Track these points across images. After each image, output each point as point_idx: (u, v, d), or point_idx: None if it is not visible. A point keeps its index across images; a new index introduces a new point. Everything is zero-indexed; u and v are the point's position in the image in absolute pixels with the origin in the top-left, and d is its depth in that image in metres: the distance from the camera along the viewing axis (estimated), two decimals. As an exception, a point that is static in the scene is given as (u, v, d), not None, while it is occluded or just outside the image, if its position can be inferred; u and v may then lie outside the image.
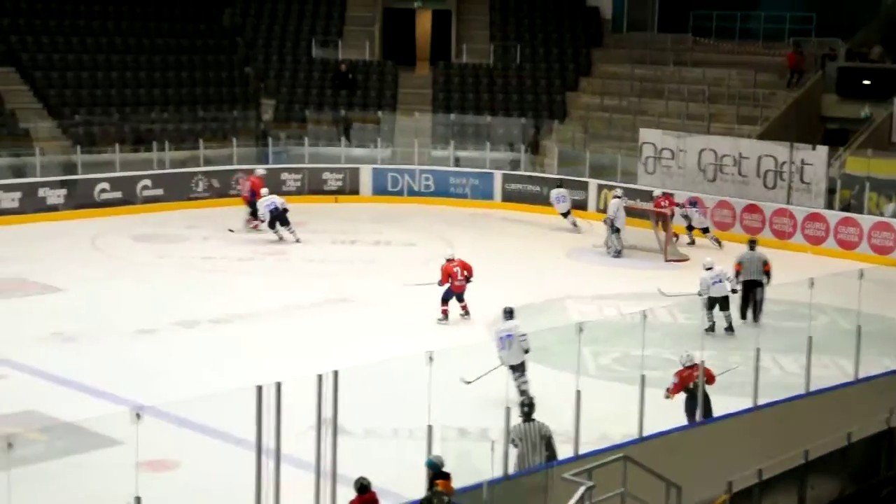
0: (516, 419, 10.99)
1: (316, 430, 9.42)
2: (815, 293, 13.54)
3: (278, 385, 9.01)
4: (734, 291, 17.65)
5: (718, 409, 12.57)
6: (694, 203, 24.72)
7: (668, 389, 12.84)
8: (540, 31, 34.90)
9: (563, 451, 11.08)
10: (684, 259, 22.79)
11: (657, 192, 25.20)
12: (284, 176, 29.56)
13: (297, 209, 27.36)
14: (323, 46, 34.71)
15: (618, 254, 23.10)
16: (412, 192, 29.64)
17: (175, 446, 11.59)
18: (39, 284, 19.42)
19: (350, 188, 29.70)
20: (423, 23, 37.29)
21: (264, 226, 23.84)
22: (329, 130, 31.65)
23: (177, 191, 27.78)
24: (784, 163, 25.12)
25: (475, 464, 10.49)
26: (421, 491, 9.64)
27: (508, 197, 29.05)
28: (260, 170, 26.44)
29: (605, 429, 12.13)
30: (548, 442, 11.10)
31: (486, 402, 12.51)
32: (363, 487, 9.63)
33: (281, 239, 23.71)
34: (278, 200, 24.06)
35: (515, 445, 10.97)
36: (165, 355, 15.70)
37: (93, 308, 18.13)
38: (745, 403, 12.59)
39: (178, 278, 20.36)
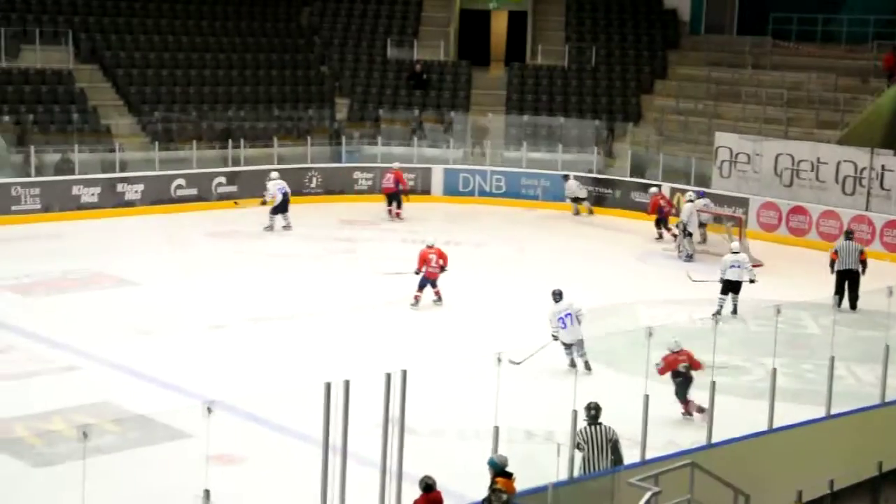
0: (582, 422, 10.93)
1: (383, 428, 9.45)
2: (893, 302, 13.25)
3: (346, 383, 9.06)
4: (752, 282, 18.38)
5: (790, 418, 12.32)
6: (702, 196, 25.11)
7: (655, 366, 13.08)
8: (616, 32, 34.66)
9: (630, 455, 10.99)
10: (759, 264, 22.46)
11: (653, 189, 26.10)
12: (356, 175, 29.76)
13: (368, 208, 27.58)
14: (398, 46, 34.85)
15: (689, 258, 22.87)
16: (483, 193, 29.63)
17: (243, 441, 11.71)
18: (116, 278, 19.78)
19: (421, 188, 29.77)
20: (499, 24, 37.24)
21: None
22: (402, 130, 31.78)
23: (250, 188, 28.09)
24: (864, 168, 24.64)
25: (540, 466, 10.44)
26: (485, 492, 9.63)
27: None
28: (397, 163, 27.62)
29: (672, 434, 12.00)
30: (614, 446, 11.02)
31: (553, 405, 12.44)
32: (428, 486, 9.66)
33: (270, 227, 24.50)
34: (287, 187, 24.86)
35: (581, 449, 10.90)
36: (236, 351, 15.87)
37: (167, 302, 18.41)
38: (818, 412, 12.36)
39: (249, 275, 20.57)
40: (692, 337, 13.87)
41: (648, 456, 10.83)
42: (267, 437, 12.19)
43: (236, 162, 28.81)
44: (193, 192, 27.53)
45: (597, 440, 10.94)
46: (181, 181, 27.47)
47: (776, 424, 11.92)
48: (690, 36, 34.50)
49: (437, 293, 18.78)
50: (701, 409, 12.66)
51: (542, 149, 30.57)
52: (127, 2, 33.39)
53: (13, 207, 24.76)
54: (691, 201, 23.57)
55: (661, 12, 35.04)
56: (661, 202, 25.23)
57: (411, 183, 29.75)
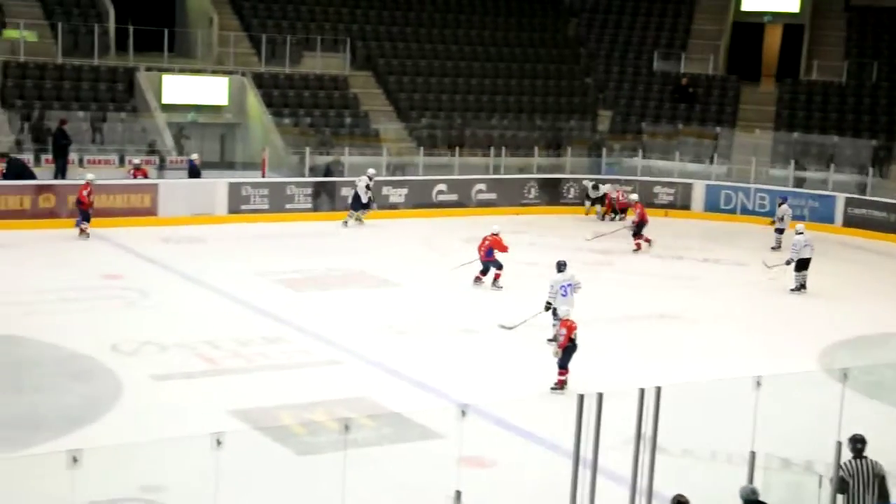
0: (846, 454, 10.37)
1: (634, 444, 9.31)
2: None
3: (599, 395, 8.98)
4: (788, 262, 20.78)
5: None
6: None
7: (557, 345, 14.12)
8: (900, 48, 32.91)
9: (897, 495, 10.35)
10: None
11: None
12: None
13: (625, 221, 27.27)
14: (665, 59, 34.40)
15: None
16: (745, 211, 28.77)
17: (493, 445, 11.82)
18: (377, 278, 20.47)
19: (681, 203, 29.24)
20: (773, 37, 36.10)
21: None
22: (664, 144, 31.32)
23: (508, 196, 28.46)
24: None
25: (799, 497, 9.99)
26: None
27: (850, 222, 27.57)
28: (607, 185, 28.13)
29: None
30: (881, 481, 10.38)
31: (812, 433, 11.89)
32: (680, 505, 9.45)
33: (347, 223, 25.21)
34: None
35: (845, 482, 10.34)
36: (487, 355, 16.06)
37: (423, 304, 18.87)
38: None
39: (503, 282, 20.77)
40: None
41: (918, 496, 10.16)
42: (517, 444, 12.25)
43: (496, 170, 29.24)
44: (454, 197, 28.15)
45: (862, 474, 10.34)
46: (443, 186, 28.15)
47: None
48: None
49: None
50: None
51: (811, 168, 29.36)
52: (402, 12, 34.58)
53: (287, 206, 26.09)
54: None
55: (951, 27, 32.99)
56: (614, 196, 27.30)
57: (670, 198, 29.31)
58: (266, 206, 25.54)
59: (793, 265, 20.85)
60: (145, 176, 25.41)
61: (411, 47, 33.64)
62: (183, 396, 13.51)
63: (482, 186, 28.56)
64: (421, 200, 27.78)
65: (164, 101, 28.76)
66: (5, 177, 23.66)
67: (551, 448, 11.60)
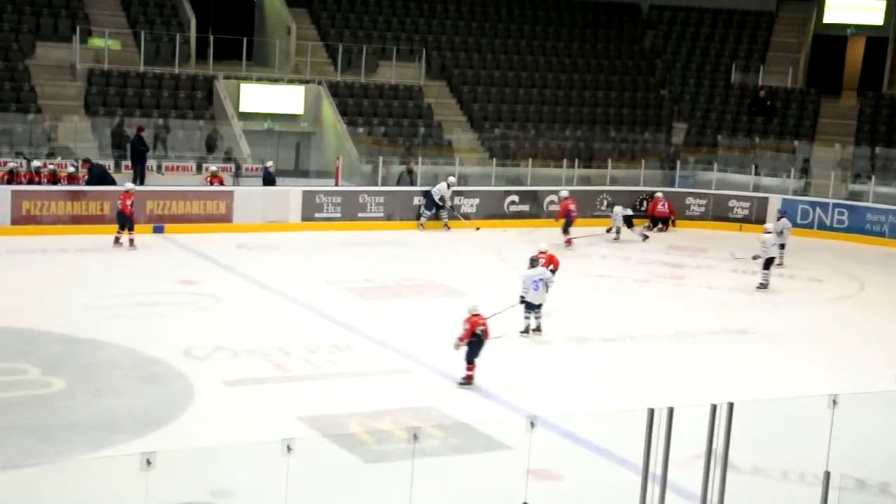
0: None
1: (705, 460, 9.19)
2: None
3: (670, 410, 8.89)
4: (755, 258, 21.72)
5: None
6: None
7: (458, 338, 14.37)
8: None
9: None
10: None
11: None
12: (689, 200, 29.29)
13: (699, 235, 27.03)
14: (743, 71, 34.03)
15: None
16: (823, 226, 28.29)
17: (561, 458, 11.74)
18: (447, 288, 20.48)
19: (756, 217, 28.84)
20: (855, 50, 35.51)
21: None
22: (740, 157, 30.95)
23: (580, 207, 28.28)
24: None
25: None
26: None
27: (932, 239, 27.00)
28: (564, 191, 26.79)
29: None
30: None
31: (890, 454, 11.64)
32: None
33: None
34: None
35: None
36: (557, 368, 15.98)
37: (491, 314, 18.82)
38: None
39: (571, 294, 20.69)
40: None
41: None
42: (585, 457, 12.16)
43: (569, 181, 29.12)
44: (525, 208, 28.09)
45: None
46: (515, 197, 28.12)
47: None
48: None
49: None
50: None
51: (893, 184, 28.78)
52: (477, 22, 34.69)
53: (359, 214, 26.26)
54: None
55: None
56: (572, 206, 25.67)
57: (745, 212, 28.92)
58: (339, 215, 25.74)
59: (761, 262, 21.53)
60: (221, 183, 25.78)
61: (486, 57, 33.69)
62: (253, 402, 13.65)
63: (554, 197, 28.46)
64: (493, 211, 27.76)
65: (242, 109, 29.18)
66: (87, 182, 24.17)
67: (619, 462, 11.50)
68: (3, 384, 13.53)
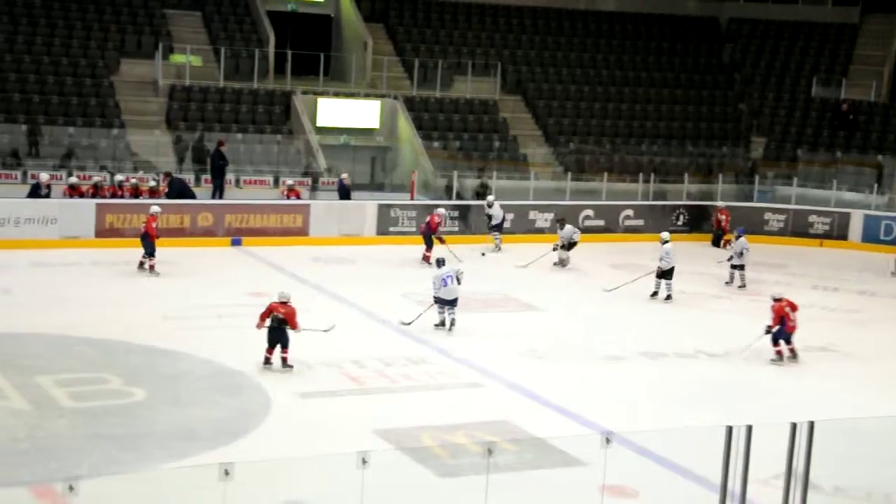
0: None
1: (784, 480, 9.04)
2: None
3: (749, 428, 8.76)
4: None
5: None
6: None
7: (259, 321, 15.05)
8: None
9: None
10: None
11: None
12: (767, 216, 28.90)
13: (778, 251, 26.63)
14: (824, 85, 33.51)
15: None
16: (906, 243, 27.71)
17: (637, 475, 11.62)
18: (521, 302, 20.45)
19: (837, 233, 28.36)
20: (941, 63, 34.77)
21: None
22: (821, 172, 30.46)
23: (656, 223, 28.07)
24: None
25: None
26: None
27: None
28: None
29: None
30: None
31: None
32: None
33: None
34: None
35: None
36: (631, 384, 15.84)
37: (566, 329, 18.76)
38: None
39: (644, 310, 20.52)
40: None
41: None
42: (661, 474, 12.02)
43: (645, 196, 28.91)
44: (601, 223, 27.94)
45: None
46: (590, 212, 27.97)
47: None
48: None
49: (793, 350, 17.26)
50: None
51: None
52: (553, 36, 34.66)
53: (434, 228, 26.29)
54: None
55: None
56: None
57: (826, 227, 28.44)
58: (414, 229, 25.83)
59: (654, 274, 21.34)
60: (298, 196, 26.06)
61: (561, 72, 33.63)
62: (328, 414, 13.75)
63: (630, 212, 28.27)
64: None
65: (319, 123, 29.50)
66: (167, 195, 24.61)
67: (696, 480, 11.34)
68: (86, 394, 13.82)
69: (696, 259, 25.57)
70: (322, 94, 30.22)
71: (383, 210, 26.04)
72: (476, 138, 30.55)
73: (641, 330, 18.80)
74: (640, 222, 28.27)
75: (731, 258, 22.71)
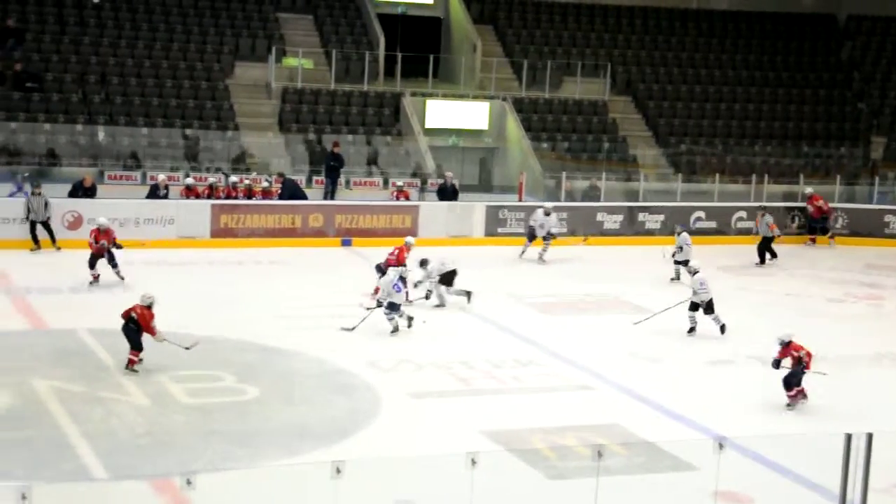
0: None
1: (905, 490, 8.77)
2: None
3: (869, 436, 8.52)
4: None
5: None
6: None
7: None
8: None
9: None
10: None
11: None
12: (888, 218, 28.06)
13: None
14: (947, 83, 32.45)
15: None
16: None
17: (750, 481, 11.40)
18: (631, 304, 20.23)
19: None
20: None
21: None
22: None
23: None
24: None
25: None
26: None
27: None
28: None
29: None
30: None
31: None
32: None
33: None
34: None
35: None
36: (742, 388, 15.53)
37: (678, 332, 18.48)
38: None
39: (758, 313, 20.10)
40: None
41: None
42: (776, 481, 11.77)
43: (758, 197, 28.37)
44: (713, 225, 27.48)
45: None
46: (701, 213, 27.53)
47: None
48: None
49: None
50: None
51: None
52: (664, 36, 34.25)
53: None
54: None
55: None
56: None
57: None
58: (522, 230, 25.78)
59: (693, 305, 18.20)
60: (407, 198, 26.25)
61: (672, 72, 33.20)
62: (437, 414, 13.82)
63: (743, 214, 27.74)
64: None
65: (427, 125, 29.67)
66: (280, 196, 25.04)
67: (813, 488, 11.08)
68: (202, 390, 14.15)
69: (816, 262, 24.92)
70: (431, 95, 30.39)
71: (491, 211, 26.05)
72: (585, 139, 30.36)
73: (752, 333, 18.42)
74: (752, 224, 27.69)
75: (674, 253, 21.79)
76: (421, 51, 31.72)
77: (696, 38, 34.58)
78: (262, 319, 17.60)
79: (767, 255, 24.60)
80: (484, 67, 31.80)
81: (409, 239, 20.24)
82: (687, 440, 12.37)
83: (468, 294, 19.39)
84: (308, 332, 17.07)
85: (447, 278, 19.31)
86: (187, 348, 14.84)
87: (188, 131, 27.41)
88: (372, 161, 28.26)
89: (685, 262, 20.91)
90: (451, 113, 30.30)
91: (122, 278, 19.56)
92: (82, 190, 23.63)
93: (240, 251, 23.10)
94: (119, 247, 19.75)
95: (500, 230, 25.96)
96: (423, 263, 19.04)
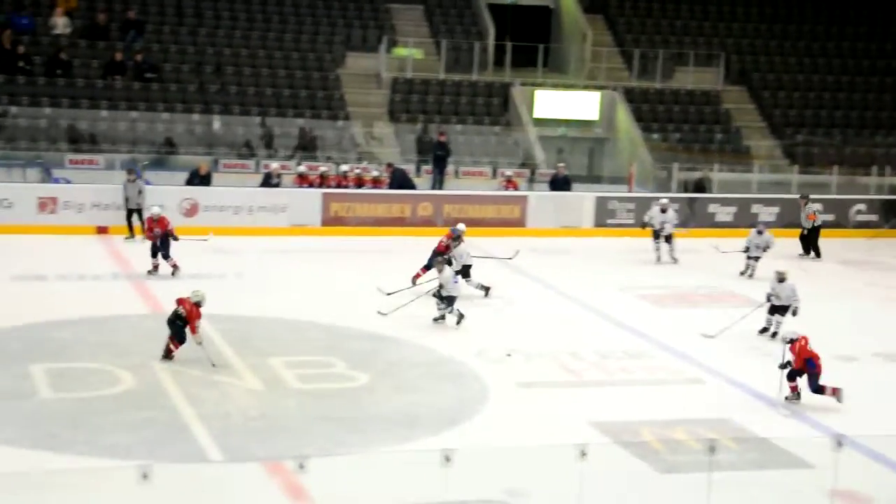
0: None
1: None
2: None
3: None
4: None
5: None
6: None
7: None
8: None
9: None
10: None
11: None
12: None
13: None
14: None
15: None
16: None
17: (870, 481, 11.11)
18: (745, 297, 19.79)
19: None
20: None
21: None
22: None
23: (892, 218, 26.73)
24: None
25: None
26: None
27: None
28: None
29: None
30: None
31: None
32: None
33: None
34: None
35: None
36: (864, 385, 15.11)
37: (793, 327, 18.03)
38: None
39: (880, 309, 19.54)
40: None
41: None
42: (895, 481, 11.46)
43: (879, 190, 27.57)
44: (830, 217, 26.78)
45: None
46: (818, 206, 26.82)
47: None
48: None
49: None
50: None
51: None
52: (780, 24, 33.52)
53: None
54: None
55: None
56: None
57: None
58: (632, 221, 25.52)
59: None
60: (516, 188, 26.20)
61: (788, 61, 32.45)
62: (545, 405, 13.77)
63: (862, 207, 27.00)
64: (794, 220, 26.58)
65: (536, 115, 29.57)
66: (389, 186, 25.25)
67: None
68: (314, 376, 14.36)
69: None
70: (540, 85, 30.27)
71: (601, 202, 25.85)
72: (697, 130, 29.89)
73: (874, 330, 17.93)
74: (874, 217, 26.95)
75: (747, 248, 21.29)
76: (530, 40, 31.60)
77: (813, 25, 33.73)
78: (373, 307, 17.74)
79: (811, 252, 23.71)
80: (594, 57, 31.53)
81: (460, 226, 19.83)
82: (803, 437, 12.10)
83: (486, 289, 19.03)
84: (417, 320, 17.17)
85: (464, 270, 18.88)
86: (213, 365, 14.16)
87: (300, 121, 27.80)
88: (490, 152, 28.21)
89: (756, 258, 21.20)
90: (560, 103, 30.14)
91: (176, 267, 19.15)
92: (198, 178, 24.21)
93: (350, 239, 23.36)
94: (175, 238, 19.54)
95: (609, 221, 25.74)
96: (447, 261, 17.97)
